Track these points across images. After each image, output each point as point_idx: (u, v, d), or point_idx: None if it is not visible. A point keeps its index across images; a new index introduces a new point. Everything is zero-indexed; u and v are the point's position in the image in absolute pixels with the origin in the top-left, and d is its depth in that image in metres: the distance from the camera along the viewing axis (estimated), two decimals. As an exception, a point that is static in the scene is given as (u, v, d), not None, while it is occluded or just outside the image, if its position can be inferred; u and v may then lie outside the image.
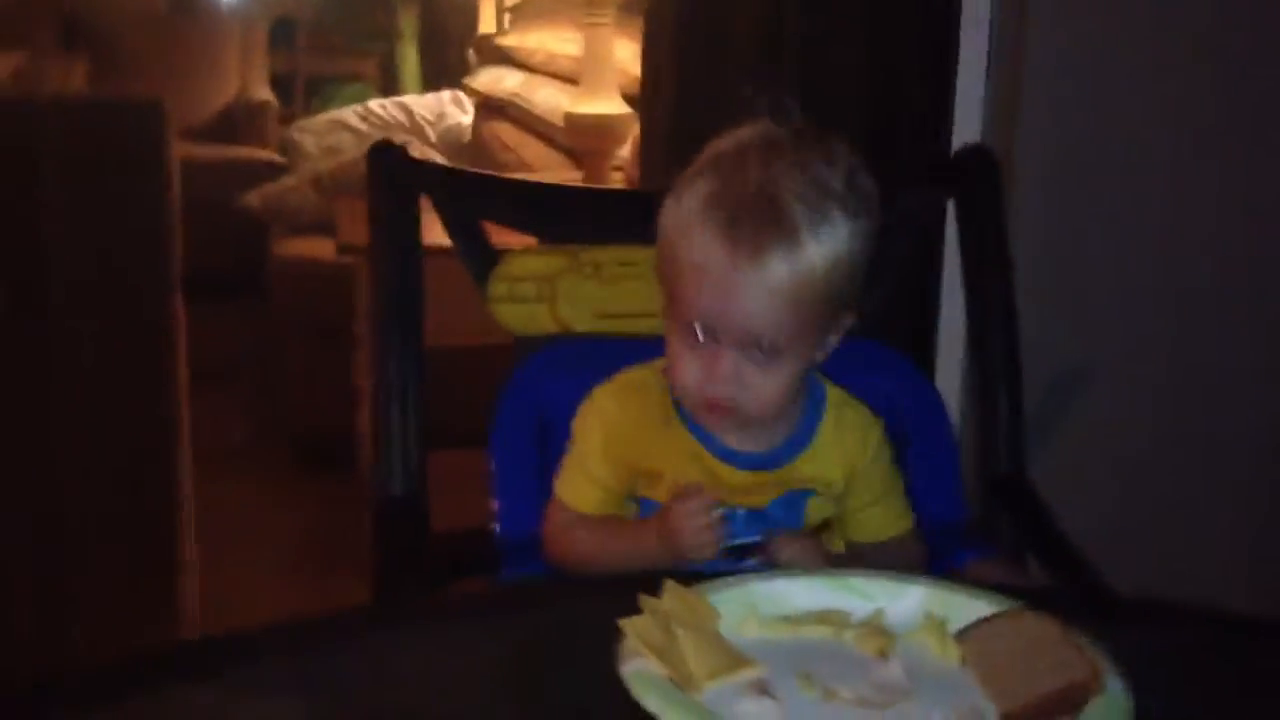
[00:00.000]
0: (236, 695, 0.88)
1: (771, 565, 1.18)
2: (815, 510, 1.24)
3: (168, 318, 2.28)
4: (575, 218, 1.55)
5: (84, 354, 2.25)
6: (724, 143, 1.18)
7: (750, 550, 1.20)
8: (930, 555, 1.33)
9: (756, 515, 1.22)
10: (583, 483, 1.25)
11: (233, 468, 3.27)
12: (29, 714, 0.86)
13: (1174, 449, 1.95)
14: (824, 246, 1.12)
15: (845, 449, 1.26)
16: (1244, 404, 1.96)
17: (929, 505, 1.42)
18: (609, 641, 0.89)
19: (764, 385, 1.16)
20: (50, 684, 0.91)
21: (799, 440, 1.25)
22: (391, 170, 1.45)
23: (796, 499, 1.24)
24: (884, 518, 1.29)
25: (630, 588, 0.93)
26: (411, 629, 0.99)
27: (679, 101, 2.19)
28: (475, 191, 1.52)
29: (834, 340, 1.21)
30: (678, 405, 1.24)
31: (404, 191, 1.43)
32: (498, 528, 1.37)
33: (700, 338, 1.15)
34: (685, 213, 1.15)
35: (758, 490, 1.23)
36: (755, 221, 1.11)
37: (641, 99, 2.42)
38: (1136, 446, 1.94)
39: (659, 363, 1.24)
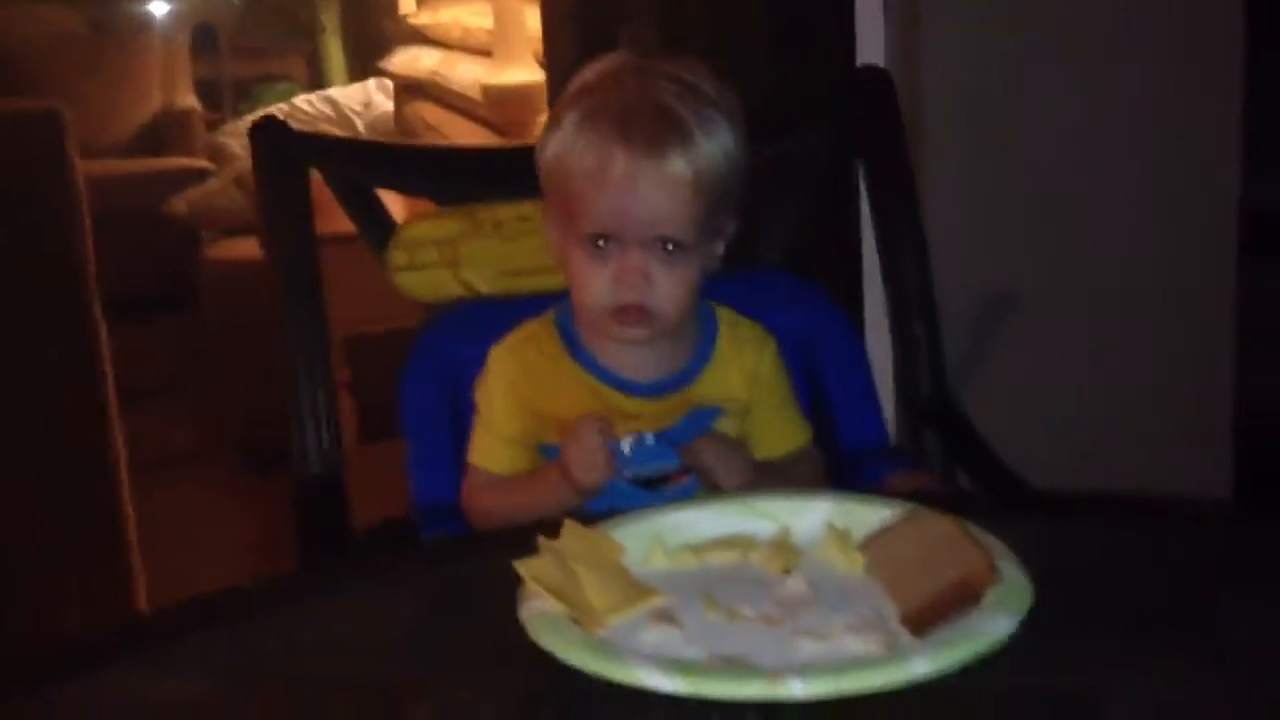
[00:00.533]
0: (148, 674, 0.87)
1: (689, 489, 1.18)
2: (724, 429, 1.24)
3: (86, 333, 2.24)
4: (470, 178, 1.53)
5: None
6: (588, 73, 1.22)
7: (667, 479, 1.20)
8: (854, 479, 1.33)
9: (664, 440, 1.22)
10: (490, 443, 1.25)
11: (182, 476, 3.25)
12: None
13: (1093, 368, 1.95)
14: (712, 142, 1.17)
15: (743, 362, 1.27)
16: (1154, 316, 1.97)
17: (850, 432, 1.42)
18: (514, 592, 0.89)
19: (671, 284, 1.18)
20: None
21: (697, 361, 1.26)
22: (276, 146, 1.43)
23: (703, 417, 1.24)
24: (785, 428, 1.29)
25: (535, 535, 0.93)
26: (320, 595, 0.98)
27: (582, 58, 2.17)
28: (365, 160, 1.51)
29: (721, 246, 1.24)
30: (571, 346, 1.24)
31: (290, 165, 1.41)
32: (415, 496, 1.35)
33: (604, 246, 1.17)
34: (570, 132, 1.18)
35: (664, 415, 1.23)
36: (646, 121, 1.15)
37: (546, 60, 2.40)
38: (1058, 367, 1.94)
39: (548, 314, 1.26)
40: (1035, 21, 1.89)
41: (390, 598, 0.96)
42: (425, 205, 1.50)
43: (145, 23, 5.95)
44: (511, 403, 1.24)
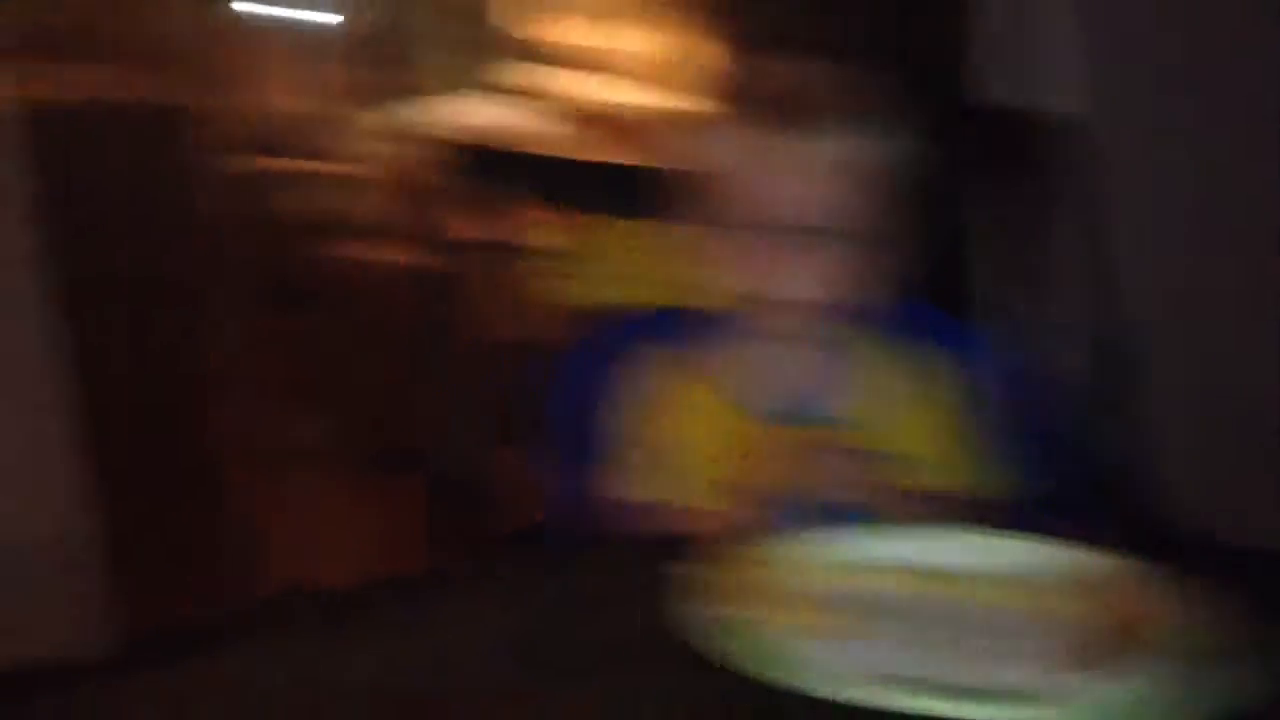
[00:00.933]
0: (323, 651, 0.89)
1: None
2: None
3: (240, 327, 2.30)
4: (625, 193, 1.55)
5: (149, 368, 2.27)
6: (737, 76, 1.33)
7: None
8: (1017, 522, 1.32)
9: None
10: (663, 476, 1.27)
11: (310, 472, 3.29)
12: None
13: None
14: (872, 141, 1.21)
15: (893, 396, 1.28)
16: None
17: (1014, 472, 1.41)
18: (665, 594, 0.89)
19: (825, 273, 1.20)
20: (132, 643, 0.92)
21: (841, 386, 1.28)
22: (474, 163, 1.46)
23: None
24: (954, 467, 1.29)
25: (682, 542, 0.93)
26: (469, 589, 1.00)
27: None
28: (525, 171, 1.53)
29: (880, 272, 1.24)
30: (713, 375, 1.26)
31: (467, 175, 1.44)
32: (551, 502, 1.37)
33: (763, 240, 1.19)
34: (733, 133, 1.21)
35: (809, 452, 1.23)
36: (809, 117, 1.20)
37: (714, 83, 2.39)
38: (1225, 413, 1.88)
39: (688, 345, 1.29)
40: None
41: (532, 598, 0.98)
42: (579, 217, 1.53)
43: (278, 23, 6.10)
44: (667, 433, 1.26)
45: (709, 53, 2.25)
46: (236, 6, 6.01)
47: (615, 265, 1.46)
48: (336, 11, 6.51)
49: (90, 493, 1.92)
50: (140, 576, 2.13)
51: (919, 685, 0.80)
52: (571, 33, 3.83)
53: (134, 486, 2.21)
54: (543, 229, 1.48)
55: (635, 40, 3.44)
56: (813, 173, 1.19)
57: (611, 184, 1.61)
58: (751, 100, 1.21)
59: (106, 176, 2.18)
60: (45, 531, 1.91)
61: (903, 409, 1.27)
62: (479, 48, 5.54)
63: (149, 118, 2.31)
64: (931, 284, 1.54)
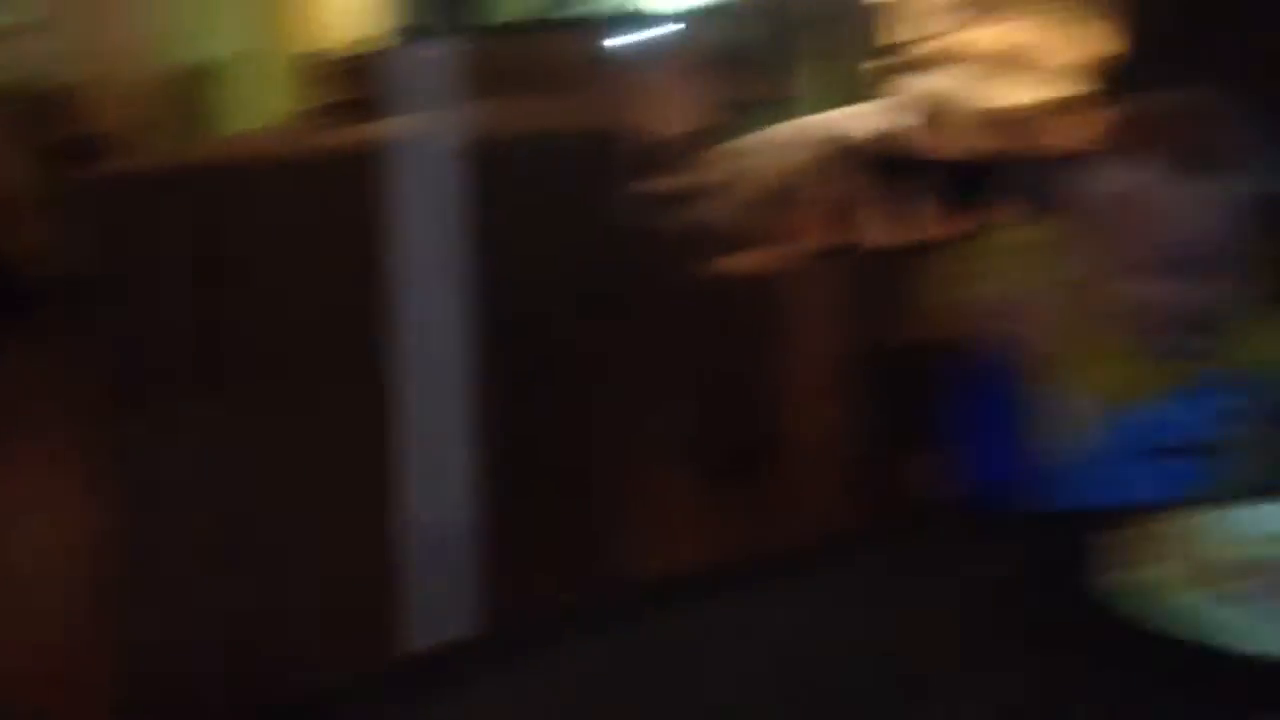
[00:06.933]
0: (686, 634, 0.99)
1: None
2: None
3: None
4: (1042, 189, 1.61)
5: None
6: (1135, 111, 1.36)
7: (1187, 449, 1.30)
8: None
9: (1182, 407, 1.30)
10: None
11: (658, 475, 3.42)
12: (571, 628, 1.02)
13: None
14: (1249, 175, 1.27)
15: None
16: None
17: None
18: (1100, 564, 0.96)
19: (1227, 297, 1.29)
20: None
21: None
22: (887, 166, 1.56)
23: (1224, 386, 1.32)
24: None
25: (1114, 516, 1.00)
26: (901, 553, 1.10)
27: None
28: (944, 172, 1.61)
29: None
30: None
31: (889, 187, 1.54)
32: (969, 471, 1.45)
33: (1162, 270, 1.27)
34: (1133, 172, 1.29)
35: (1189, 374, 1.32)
36: (1201, 157, 1.27)
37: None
38: None
39: None
40: None
41: (968, 561, 1.06)
42: (980, 217, 1.59)
43: (652, 47, 6.37)
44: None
45: (1096, 44, 2.25)
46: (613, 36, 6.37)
47: (1014, 265, 1.52)
48: (711, 30, 6.77)
49: (480, 484, 2.10)
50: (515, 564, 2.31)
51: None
52: (957, 32, 3.87)
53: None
54: (946, 230, 1.56)
55: (1022, 34, 3.45)
56: (1205, 209, 1.26)
57: (1007, 183, 1.68)
58: (1145, 136, 1.30)
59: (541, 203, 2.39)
60: (440, 518, 2.08)
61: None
62: (865, 55, 5.65)
63: (580, 145, 2.52)
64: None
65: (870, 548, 1.13)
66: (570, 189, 2.45)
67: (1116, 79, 2.34)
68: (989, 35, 3.83)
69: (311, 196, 2.32)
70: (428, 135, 1.86)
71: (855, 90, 6.15)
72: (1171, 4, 2.07)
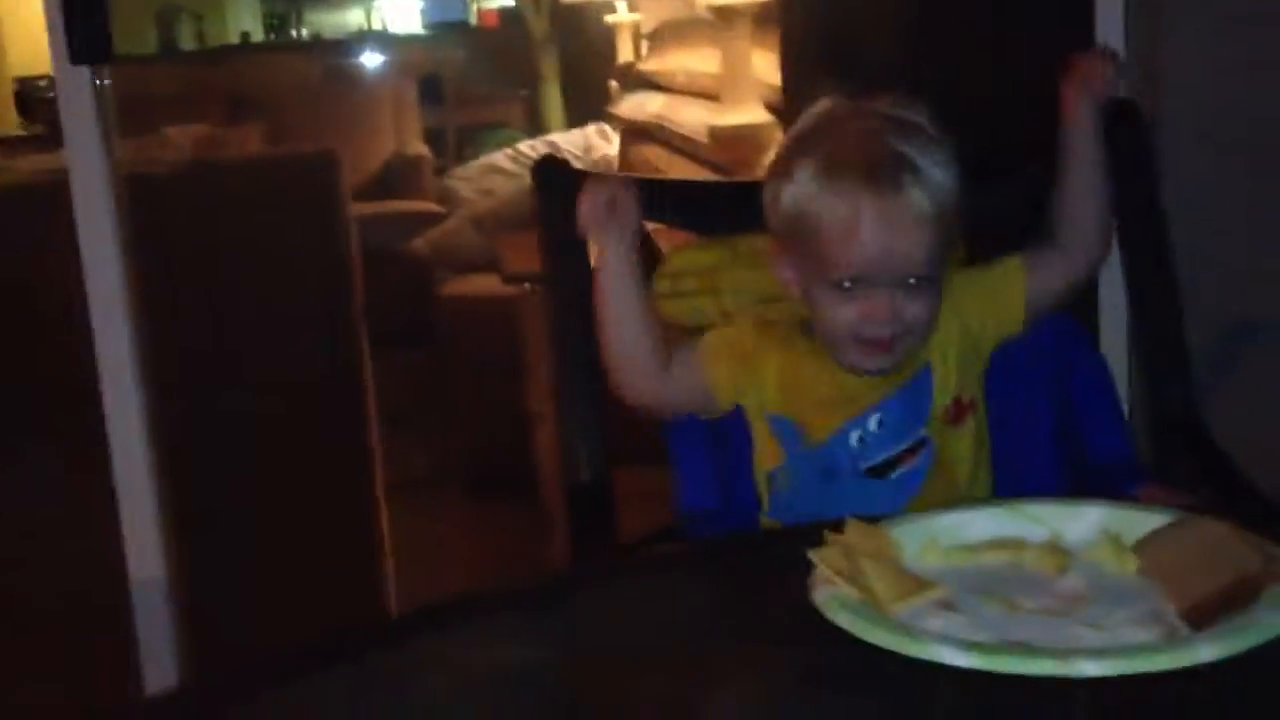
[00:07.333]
0: (469, 647, 0.96)
1: (919, 471, 1.28)
2: (940, 387, 1.30)
3: (355, 361, 2.42)
4: (730, 211, 1.62)
5: (280, 403, 2.39)
6: (806, 120, 1.30)
7: (894, 464, 1.28)
8: (1105, 494, 1.37)
9: (886, 425, 1.28)
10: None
11: (416, 499, 3.40)
12: (273, 676, 0.96)
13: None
14: (941, 173, 1.24)
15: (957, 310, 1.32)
16: None
17: (1100, 449, 1.46)
18: (800, 580, 0.96)
19: (917, 314, 1.25)
20: (291, 650, 1.00)
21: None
22: (555, 179, 1.54)
23: (918, 385, 1.30)
24: (1007, 266, 1.35)
25: (814, 535, 1.00)
26: (619, 582, 1.08)
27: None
28: (653, 195, 1.60)
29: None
30: (805, 334, 1.32)
31: (569, 196, 1.52)
32: (680, 504, 1.44)
33: (850, 287, 1.23)
34: (809, 183, 1.25)
35: (880, 388, 1.29)
36: (885, 166, 1.22)
37: (785, 105, 2.48)
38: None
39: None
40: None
41: (684, 585, 1.05)
42: (687, 237, 1.59)
43: (375, 73, 6.29)
44: (735, 347, 1.34)
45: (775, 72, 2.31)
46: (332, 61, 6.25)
47: (733, 280, 1.52)
48: (437, 53, 6.71)
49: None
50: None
51: (1034, 650, 0.86)
52: (663, 59, 3.93)
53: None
54: (656, 250, 1.55)
55: (715, 62, 3.53)
56: (912, 232, 1.22)
57: (731, 203, 1.68)
58: (838, 154, 1.24)
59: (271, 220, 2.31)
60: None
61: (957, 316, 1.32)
62: (586, 79, 5.70)
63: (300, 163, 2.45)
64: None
65: (584, 574, 1.11)
66: (292, 212, 2.38)
67: (788, 103, 2.41)
68: (691, 62, 3.91)
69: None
70: (102, 164, 1.77)
71: (575, 113, 6.23)
72: (821, 33, 2.14)
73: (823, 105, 1.30)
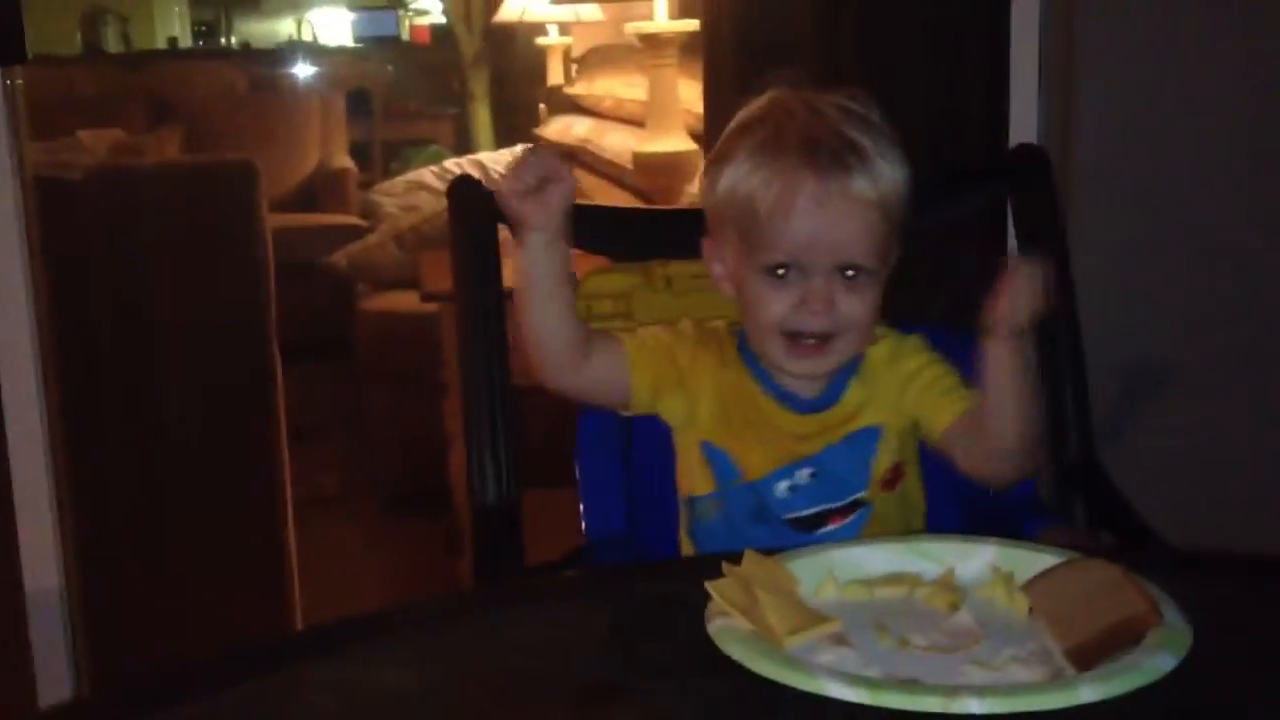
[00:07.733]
0: (359, 669, 0.95)
1: (847, 531, 1.25)
2: (885, 449, 1.26)
3: (267, 373, 2.39)
4: (644, 237, 1.63)
5: (189, 413, 2.36)
6: (751, 110, 1.25)
7: (824, 519, 1.25)
8: (1006, 532, 1.38)
9: (820, 479, 1.25)
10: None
11: (329, 516, 3.37)
12: (165, 693, 0.94)
13: (1242, 439, 1.97)
14: (891, 166, 1.20)
15: (899, 370, 1.27)
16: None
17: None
18: (697, 610, 0.96)
19: (855, 309, 1.20)
20: (184, 668, 0.99)
21: (845, 372, 1.27)
22: (470, 200, 1.54)
23: (862, 441, 1.26)
24: (955, 399, 1.24)
25: (714, 565, 1.00)
26: (516, 607, 1.07)
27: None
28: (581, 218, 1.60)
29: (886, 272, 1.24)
30: (743, 352, 1.28)
31: (481, 219, 1.52)
32: (584, 525, 1.44)
33: (784, 275, 1.19)
34: (747, 163, 1.20)
35: (819, 437, 1.26)
36: (830, 148, 1.18)
37: (706, 133, 2.49)
38: (1205, 436, 1.96)
39: (731, 325, 1.31)
40: (1190, 94, 1.93)
41: (579, 611, 1.05)
42: (601, 261, 1.60)
43: (303, 85, 6.25)
44: (668, 356, 1.27)
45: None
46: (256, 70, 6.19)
47: (647, 305, 1.53)
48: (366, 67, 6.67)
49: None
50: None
51: (921, 686, 0.87)
52: (614, 85, 3.94)
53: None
54: (581, 273, 1.55)
55: (643, 89, 3.55)
56: (851, 214, 1.17)
57: (646, 229, 1.69)
58: (779, 133, 1.19)
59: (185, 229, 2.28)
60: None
61: (899, 379, 1.27)
62: (516, 99, 5.69)
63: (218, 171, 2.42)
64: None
65: (481, 598, 1.10)
66: (207, 221, 2.35)
67: (709, 130, 2.43)
68: (619, 88, 3.93)
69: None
70: (11, 165, 1.74)
71: (504, 134, 6.23)
72: (742, 62, 2.16)
73: (769, 96, 1.24)
